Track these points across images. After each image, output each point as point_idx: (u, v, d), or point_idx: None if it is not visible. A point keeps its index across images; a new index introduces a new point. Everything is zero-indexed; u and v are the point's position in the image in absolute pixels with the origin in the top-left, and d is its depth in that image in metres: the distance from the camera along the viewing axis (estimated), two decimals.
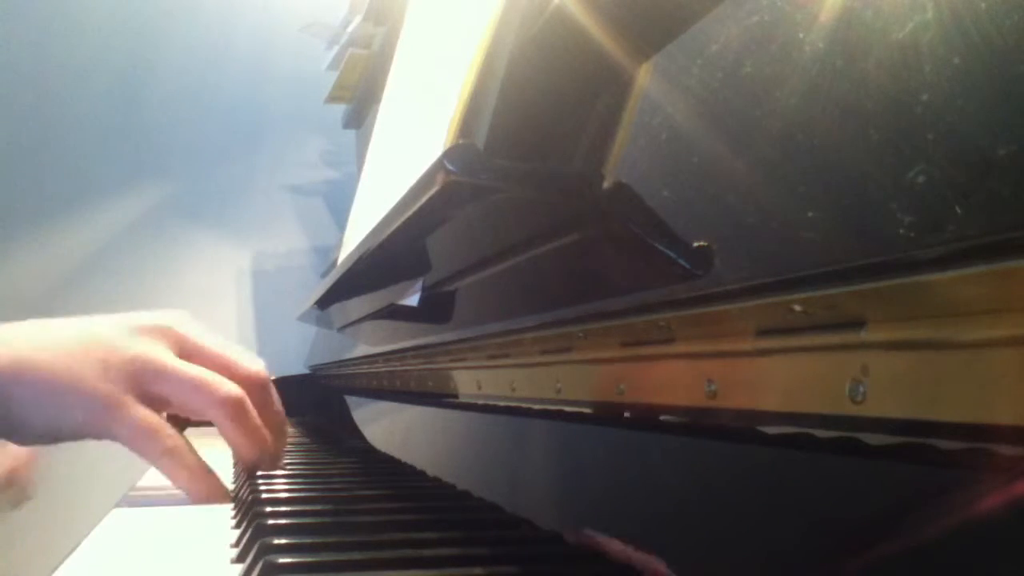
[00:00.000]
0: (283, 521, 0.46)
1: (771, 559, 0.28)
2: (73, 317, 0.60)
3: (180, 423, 0.60)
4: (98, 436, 0.55)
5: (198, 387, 0.56)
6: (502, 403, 0.55)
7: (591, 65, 0.38)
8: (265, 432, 0.58)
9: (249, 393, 0.58)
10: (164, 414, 0.57)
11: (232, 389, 0.57)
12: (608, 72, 0.37)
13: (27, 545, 0.68)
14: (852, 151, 0.22)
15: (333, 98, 1.51)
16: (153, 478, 0.71)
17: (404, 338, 0.72)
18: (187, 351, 0.59)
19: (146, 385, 0.56)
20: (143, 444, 0.55)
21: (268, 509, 0.50)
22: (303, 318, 1.21)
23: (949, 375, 0.21)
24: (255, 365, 0.60)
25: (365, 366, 1.04)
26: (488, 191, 0.38)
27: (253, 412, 0.57)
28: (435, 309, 0.60)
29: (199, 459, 0.57)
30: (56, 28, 1.71)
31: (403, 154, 0.63)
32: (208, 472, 0.57)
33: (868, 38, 0.22)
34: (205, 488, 0.57)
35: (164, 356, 0.57)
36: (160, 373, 0.56)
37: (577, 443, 0.44)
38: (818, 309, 0.24)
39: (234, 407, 0.56)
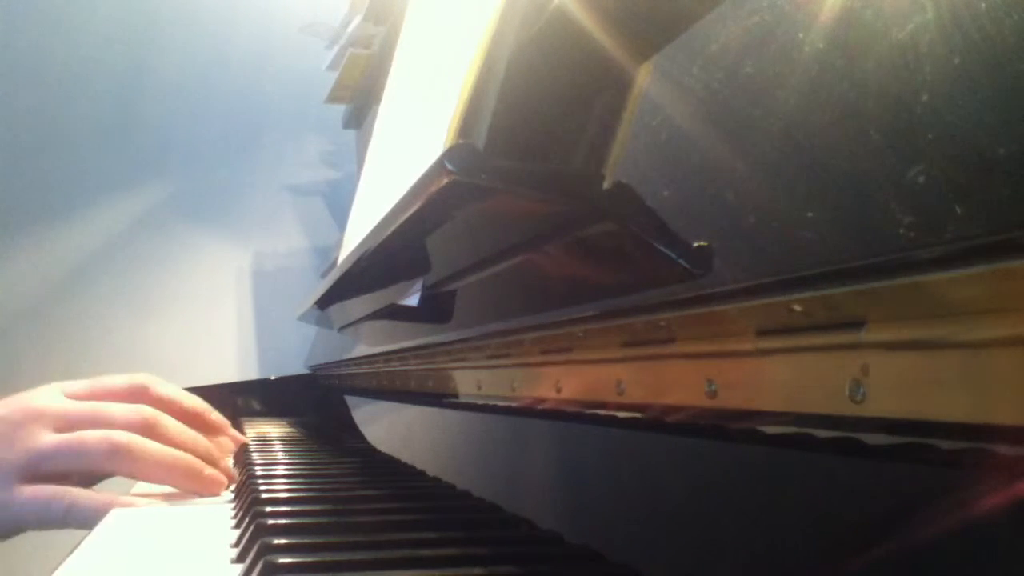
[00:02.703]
0: (283, 521, 0.46)
1: (771, 559, 0.28)
2: None
3: None
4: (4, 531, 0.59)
5: (79, 447, 0.60)
6: (502, 403, 0.55)
7: (591, 65, 0.38)
8: (173, 452, 0.63)
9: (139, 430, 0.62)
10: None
11: (110, 435, 0.61)
12: (608, 72, 0.37)
13: (27, 545, 0.68)
14: (852, 151, 0.22)
15: (333, 98, 1.51)
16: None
17: (404, 338, 0.72)
18: (66, 422, 0.62)
19: (36, 470, 0.59)
20: (43, 516, 0.58)
21: (268, 509, 0.50)
22: (303, 318, 1.21)
23: (949, 375, 0.21)
24: (132, 411, 0.63)
25: (365, 366, 1.04)
26: (488, 191, 0.38)
27: (146, 443, 0.61)
28: (435, 309, 0.60)
29: (104, 497, 0.59)
30: (56, 28, 1.71)
31: (403, 154, 0.63)
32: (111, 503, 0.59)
33: (868, 38, 0.22)
34: (183, 470, 0.61)
35: (43, 438, 0.60)
36: (44, 455, 0.60)
37: (577, 443, 0.44)
38: (818, 309, 0.24)
39: (119, 447, 0.60)
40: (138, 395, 0.65)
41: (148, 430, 0.62)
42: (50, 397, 0.64)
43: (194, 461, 0.62)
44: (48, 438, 0.60)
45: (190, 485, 0.62)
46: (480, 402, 0.60)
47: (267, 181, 1.81)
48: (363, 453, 0.89)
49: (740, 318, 0.28)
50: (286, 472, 0.69)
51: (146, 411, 0.63)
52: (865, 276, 0.22)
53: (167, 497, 0.64)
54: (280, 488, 0.59)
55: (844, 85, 0.23)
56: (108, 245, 1.69)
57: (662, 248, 0.30)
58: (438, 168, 0.35)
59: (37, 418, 0.61)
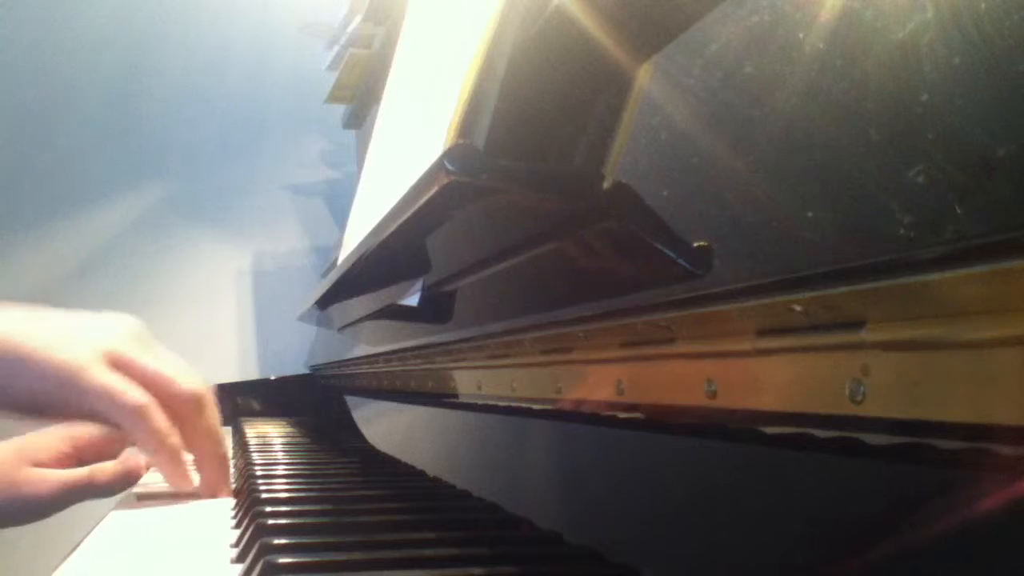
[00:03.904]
0: (283, 521, 0.46)
1: (771, 559, 0.28)
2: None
3: None
4: (60, 410, 0.57)
5: (163, 381, 0.59)
6: (502, 403, 0.55)
7: (591, 65, 0.38)
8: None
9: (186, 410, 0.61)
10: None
11: (192, 388, 0.61)
12: (608, 72, 0.37)
13: (27, 545, 0.68)
14: (852, 151, 0.22)
15: (333, 98, 1.51)
16: (152, 478, 0.71)
17: (404, 338, 0.72)
18: (152, 352, 0.62)
19: (113, 368, 0.58)
20: (111, 403, 0.56)
21: (268, 509, 0.50)
22: (303, 318, 1.21)
23: (949, 375, 0.21)
24: (195, 383, 0.63)
25: (365, 366, 1.04)
26: (488, 191, 0.38)
27: (160, 421, 0.59)
28: (435, 309, 0.60)
29: (171, 427, 0.58)
30: (56, 28, 1.71)
31: (403, 154, 0.63)
32: (179, 448, 0.59)
33: (868, 38, 0.22)
34: (171, 457, 0.58)
35: (132, 349, 0.60)
36: (128, 363, 0.59)
37: (577, 443, 0.44)
38: (818, 309, 0.24)
39: (196, 402, 0.60)
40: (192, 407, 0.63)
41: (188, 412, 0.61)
42: (128, 344, 0.62)
43: (181, 450, 0.61)
44: (140, 354, 0.60)
45: (168, 468, 0.60)
46: (480, 402, 0.60)
47: (267, 181, 1.81)
48: (363, 453, 0.89)
49: (740, 318, 0.28)
50: (286, 472, 0.69)
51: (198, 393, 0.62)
52: (865, 276, 0.22)
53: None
54: (280, 488, 0.59)
55: (844, 85, 0.23)
56: (108, 245, 1.69)
57: (662, 248, 0.30)
58: (438, 168, 0.35)
59: (134, 334, 0.62)
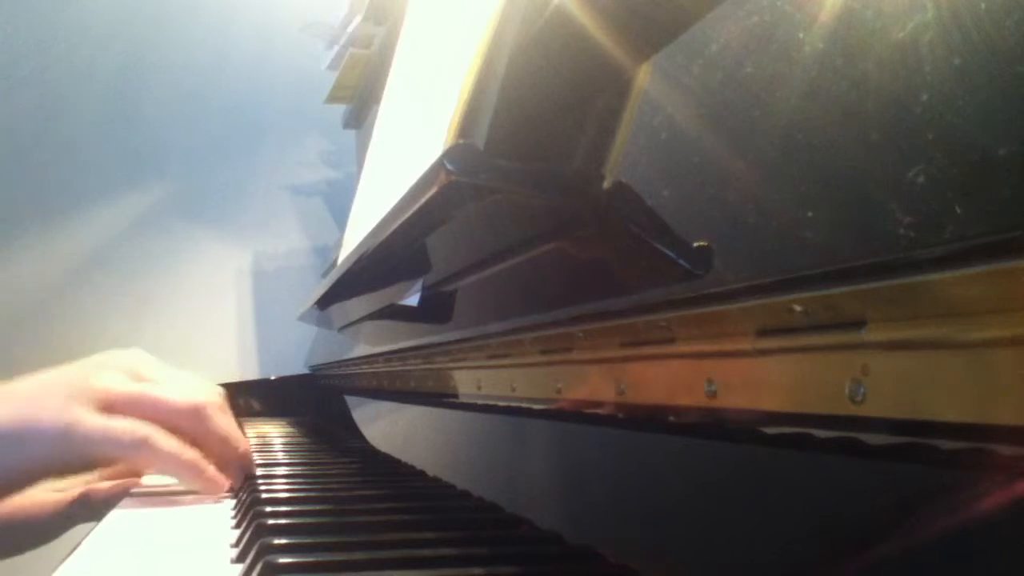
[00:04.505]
0: (283, 521, 0.46)
1: (771, 559, 0.28)
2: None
3: None
4: (69, 465, 0.58)
5: (155, 403, 0.60)
6: (502, 403, 0.55)
7: (591, 65, 0.38)
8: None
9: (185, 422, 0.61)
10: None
11: (186, 402, 0.61)
12: (608, 72, 0.37)
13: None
14: (852, 151, 0.22)
15: (333, 98, 1.51)
16: (153, 478, 0.71)
17: (404, 338, 0.72)
18: (143, 378, 0.63)
19: (108, 410, 0.58)
20: (114, 445, 0.56)
21: (268, 509, 0.50)
22: (303, 318, 1.21)
23: (949, 375, 0.21)
24: (192, 396, 0.63)
25: (365, 366, 1.04)
26: (488, 191, 0.38)
27: (161, 439, 0.59)
28: (435, 309, 0.60)
29: (181, 444, 0.58)
30: (56, 28, 1.71)
31: (403, 154, 0.63)
32: (197, 459, 0.59)
33: (868, 38, 0.22)
34: (193, 471, 0.59)
35: (121, 383, 0.60)
36: (118, 398, 0.59)
37: (577, 443, 0.44)
38: (818, 309, 0.24)
39: (195, 414, 0.61)
40: (193, 419, 0.63)
41: (194, 423, 0.61)
42: (139, 360, 0.64)
43: (200, 460, 0.61)
44: (130, 384, 0.60)
45: (194, 483, 0.61)
46: (480, 402, 0.60)
47: (267, 181, 1.81)
48: (363, 453, 0.89)
49: (740, 318, 0.28)
50: (286, 472, 0.69)
51: (197, 405, 0.62)
52: (865, 276, 0.22)
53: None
54: (280, 488, 0.59)
55: (844, 85, 0.23)
56: (108, 245, 1.69)
57: (662, 248, 0.30)
58: (438, 168, 0.35)
59: (121, 368, 0.62)
